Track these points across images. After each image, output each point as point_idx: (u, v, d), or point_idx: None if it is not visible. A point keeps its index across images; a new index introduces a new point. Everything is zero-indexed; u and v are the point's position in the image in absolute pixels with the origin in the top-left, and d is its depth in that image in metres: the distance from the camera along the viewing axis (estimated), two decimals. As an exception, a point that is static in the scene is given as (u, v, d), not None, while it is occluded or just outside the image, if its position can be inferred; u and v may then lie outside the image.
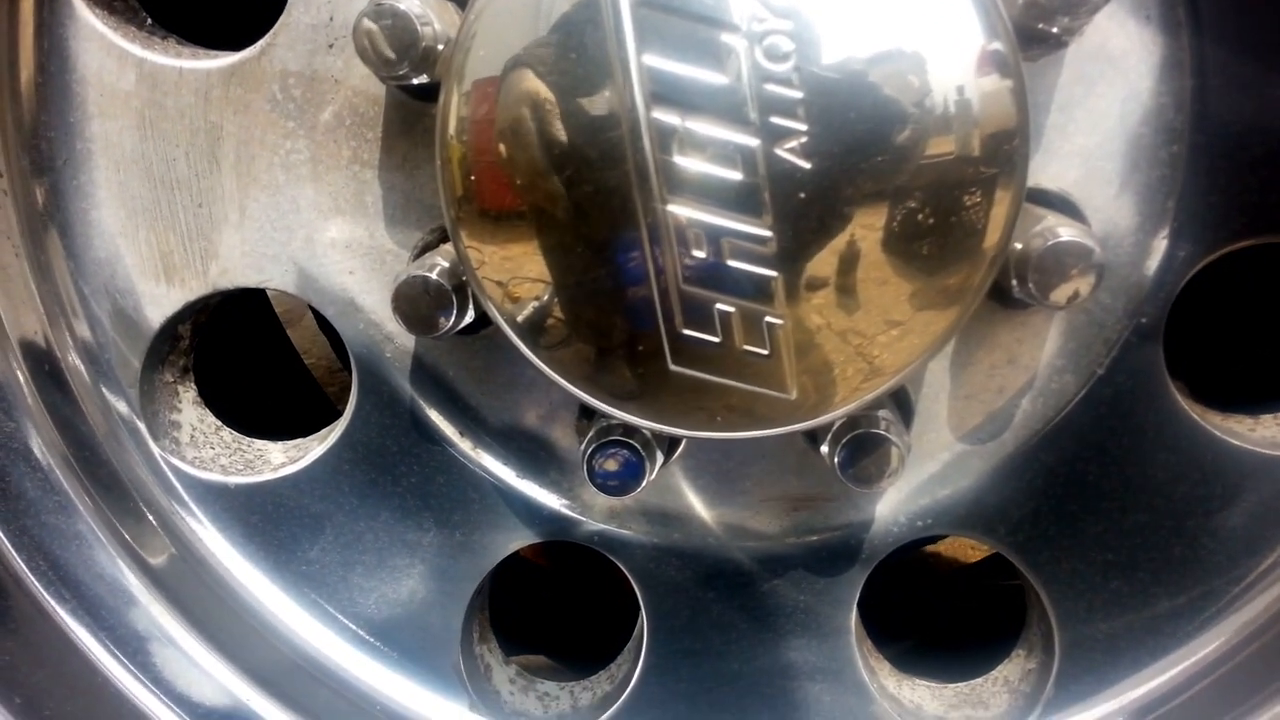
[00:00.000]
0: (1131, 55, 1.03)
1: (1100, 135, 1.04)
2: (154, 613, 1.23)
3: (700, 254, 0.92)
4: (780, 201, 0.89)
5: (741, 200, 0.90)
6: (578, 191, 0.92)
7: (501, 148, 0.93)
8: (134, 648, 1.22)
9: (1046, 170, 1.05)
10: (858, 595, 1.21)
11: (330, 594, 1.27)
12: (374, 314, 1.19)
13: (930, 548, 1.96)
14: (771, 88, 0.86)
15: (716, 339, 0.95)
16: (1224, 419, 1.17)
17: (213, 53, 1.17)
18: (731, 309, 0.93)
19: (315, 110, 1.12)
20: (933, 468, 1.17)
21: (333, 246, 1.16)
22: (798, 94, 0.87)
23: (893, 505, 1.19)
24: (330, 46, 1.11)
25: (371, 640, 1.28)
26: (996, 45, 0.89)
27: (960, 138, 0.89)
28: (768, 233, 0.91)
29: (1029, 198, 1.02)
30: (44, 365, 1.22)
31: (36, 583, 1.16)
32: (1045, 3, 0.89)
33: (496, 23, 0.92)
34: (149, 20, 1.20)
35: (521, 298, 0.97)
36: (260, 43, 1.12)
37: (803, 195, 0.89)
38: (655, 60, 0.87)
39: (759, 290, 0.92)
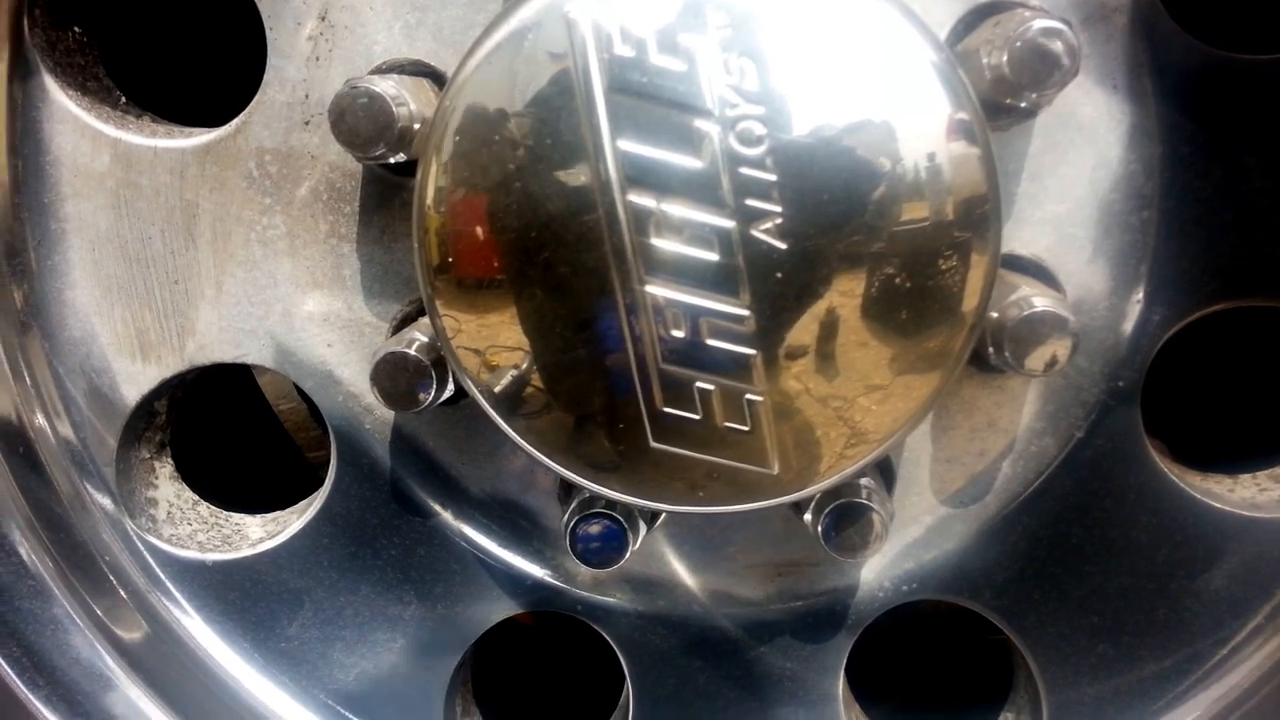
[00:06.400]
0: (1100, 124, 1.04)
1: (1072, 202, 1.06)
2: (132, 696, 1.20)
3: (679, 333, 0.92)
4: (757, 281, 0.90)
5: (719, 281, 0.90)
6: (556, 272, 0.92)
7: (478, 229, 0.93)
8: (110, 733, 1.19)
9: (1020, 237, 1.06)
10: (844, 662, 1.21)
11: (310, 671, 1.25)
12: (353, 386, 1.18)
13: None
14: (745, 171, 0.87)
15: (697, 416, 0.95)
16: (1203, 479, 1.18)
17: (188, 130, 1.17)
18: (711, 387, 0.94)
19: (292, 186, 1.12)
20: (917, 532, 1.16)
21: (310, 320, 1.16)
22: (771, 177, 0.87)
23: (878, 570, 1.18)
24: (306, 123, 1.11)
25: (352, 718, 1.26)
26: (963, 116, 0.90)
27: (932, 207, 0.90)
28: (746, 312, 0.91)
29: (1004, 264, 1.03)
30: (17, 446, 1.20)
31: (10, 670, 1.13)
32: (1013, 79, 0.90)
33: (473, 104, 0.92)
34: (123, 99, 1.20)
35: (497, 369, 0.97)
36: (235, 120, 1.12)
37: (779, 275, 0.90)
38: (630, 145, 0.88)
39: (738, 368, 0.93)
